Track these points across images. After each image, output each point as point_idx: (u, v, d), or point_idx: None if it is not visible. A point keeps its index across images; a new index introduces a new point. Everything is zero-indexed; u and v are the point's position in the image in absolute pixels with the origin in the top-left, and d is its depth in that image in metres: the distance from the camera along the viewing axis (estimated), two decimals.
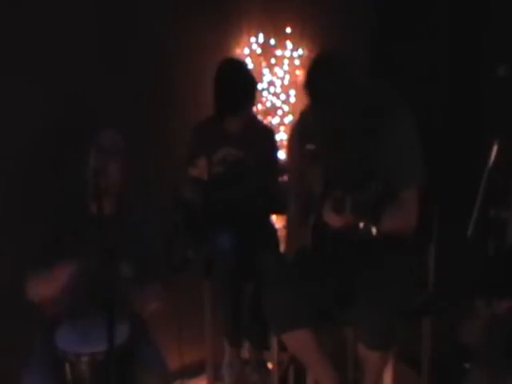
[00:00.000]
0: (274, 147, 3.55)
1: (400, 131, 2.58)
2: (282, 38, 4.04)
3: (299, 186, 2.71)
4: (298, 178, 2.73)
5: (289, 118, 4.11)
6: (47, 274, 2.62)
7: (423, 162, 2.60)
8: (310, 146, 2.58)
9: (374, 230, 2.35)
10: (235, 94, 3.32)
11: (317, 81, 2.54)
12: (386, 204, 2.38)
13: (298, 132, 2.79)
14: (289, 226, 3.11)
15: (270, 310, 2.67)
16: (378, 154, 2.56)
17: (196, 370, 3.65)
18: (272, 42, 4.02)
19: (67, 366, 2.49)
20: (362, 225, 2.37)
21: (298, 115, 2.86)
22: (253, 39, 3.97)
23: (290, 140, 2.87)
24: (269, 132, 3.61)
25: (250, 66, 3.95)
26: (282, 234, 3.78)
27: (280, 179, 3.42)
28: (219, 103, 3.37)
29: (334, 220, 2.49)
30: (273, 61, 4.05)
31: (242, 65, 3.51)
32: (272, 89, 4.08)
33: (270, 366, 3.44)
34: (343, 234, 2.51)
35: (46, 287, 2.64)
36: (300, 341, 2.69)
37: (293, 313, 2.62)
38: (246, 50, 3.96)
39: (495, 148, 2.73)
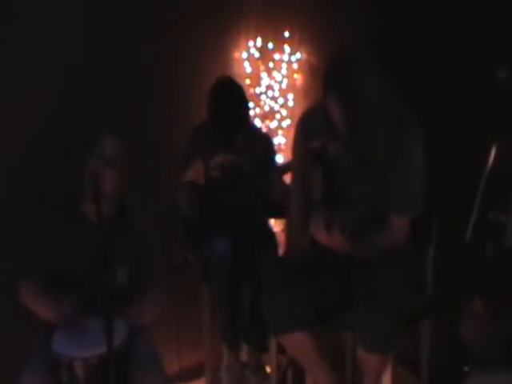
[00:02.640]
0: (271, 152, 3.54)
1: (409, 156, 2.51)
2: (280, 41, 4.04)
3: (301, 187, 2.69)
4: (300, 179, 2.71)
5: (287, 122, 4.11)
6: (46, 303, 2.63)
7: (424, 193, 2.55)
8: (314, 145, 2.55)
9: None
10: (227, 124, 3.32)
11: (345, 71, 2.42)
12: (373, 230, 2.39)
13: (302, 131, 2.75)
14: (289, 227, 3.10)
15: (268, 312, 2.66)
16: (380, 171, 2.52)
17: (194, 373, 3.64)
18: (270, 45, 4.02)
19: (62, 369, 2.50)
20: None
21: (299, 117, 2.82)
22: (251, 43, 3.97)
23: (294, 139, 2.83)
24: (266, 137, 3.61)
25: (248, 70, 3.96)
26: (280, 237, 3.78)
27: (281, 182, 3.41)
28: (214, 127, 3.36)
29: (322, 237, 2.48)
30: (271, 65, 4.06)
31: (233, 90, 3.40)
32: (270, 93, 4.08)
33: (268, 369, 3.44)
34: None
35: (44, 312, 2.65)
36: (298, 343, 2.68)
37: (291, 314, 2.61)
38: (244, 54, 3.96)
39: (494, 151, 2.73)
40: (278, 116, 4.11)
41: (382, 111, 2.42)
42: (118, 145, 2.77)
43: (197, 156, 3.34)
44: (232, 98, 3.35)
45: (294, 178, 2.85)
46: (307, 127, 2.70)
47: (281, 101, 4.11)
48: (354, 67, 2.43)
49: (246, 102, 3.43)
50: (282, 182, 3.42)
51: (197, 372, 3.63)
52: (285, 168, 3.45)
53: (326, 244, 2.49)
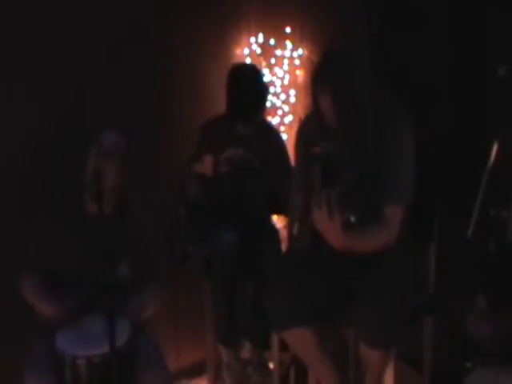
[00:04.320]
0: (283, 148, 3.55)
1: (398, 146, 2.56)
2: (281, 37, 4.04)
3: (302, 187, 2.71)
4: (301, 179, 2.73)
5: (289, 118, 4.11)
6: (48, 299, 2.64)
7: (413, 181, 2.58)
8: (314, 150, 2.58)
9: (352, 219, 2.36)
10: (249, 105, 3.35)
11: (333, 71, 2.50)
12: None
13: (302, 136, 2.79)
14: (291, 224, 3.10)
15: (270, 307, 2.67)
16: (371, 162, 2.56)
17: (194, 371, 3.64)
18: (272, 41, 4.01)
19: (66, 367, 2.51)
20: (352, 219, 2.38)
21: (299, 117, 2.85)
22: (252, 39, 3.97)
23: (295, 144, 2.87)
24: (277, 133, 3.62)
25: None
26: (283, 234, 3.78)
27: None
28: (232, 112, 3.37)
29: (323, 226, 2.46)
30: (273, 61, 4.05)
31: (254, 73, 3.48)
32: (272, 89, 4.07)
33: (271, 365, 3.44)
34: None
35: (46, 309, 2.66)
36: (300, 339, 2.69)
37: (293, 311, 2.62)
38: (246, 50, 3.96)
39: (495, 147, 2.73)
40: (280, 112, 4.11)
41: (369, 101, 2.48)
42: (117, 139, 2.77)
43: (207, 150, 3.36)
44: (252, 76, 3.41)
45: (295, 178, 2.88)
46: (306, 134, 2.76)
47: (283, 97, 4.10)
48: (340, 58, 2.55)
49: (265, 84, 3.47)
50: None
51: (196, 370, 3.63)
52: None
53: (327, 236, 2.47)
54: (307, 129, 2.77)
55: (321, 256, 2.62)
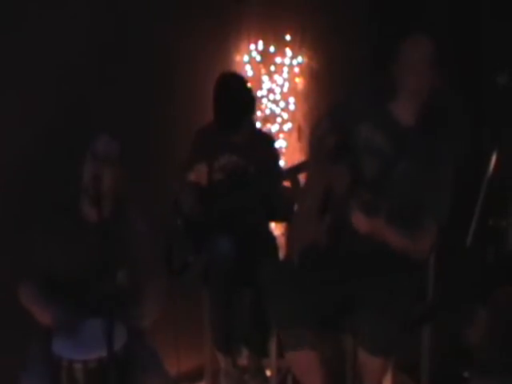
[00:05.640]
0: (275, 155, 3.55)
1: (448, 163, 2.68)
2: (281, 45, 4.05)
3: (318, 184, 2.68)
4: (318, 175, 2.71)
5: (288, 126, 4.11)
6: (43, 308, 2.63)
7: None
8: (330, 141, 2.56)
9: None
10: (234, 114, 3.33)
11: None
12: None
13: (329, 126, 2.76)
14: (298, 225, 3.05)
15: (274, 307, 2.68)
16: (418, 175, 2.62)
17: (193, 377, 3.63)
18: (271, 49, 4.03)
19: (62, 371, 2.49)
20: None
21: (298, 125, 2.84)
22: (252, 46, 3.98)
23: (319, 134, 2.83)
24: (270, 140, 3.61)
25: (250, 73, 3.96)
26: (280, 241, 3.78)
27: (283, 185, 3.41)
28: (219, 120, 3.37)
29: (363, 223, 2.50)
30: (272, 68, 4.06)
31: (239, 81, 3.46)
32: (271, 96, 4.09)
33: (268, 373, 3.43)
34: (357, 240, 2.53)
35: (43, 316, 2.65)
36: (305, 361, 2.68)
37: (297, 312, 2.61)
38: (246, 57, 3.97)
39: (494, 156, 2.73)
40: (279, 119, 4.11)
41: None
42: (112, 144, 2.75)
43: (201, 157, 3.35)
44: (237, 86, 3.39)
45: (311, 174, 2.85)
46: (334, 123, 2.72)
47: (282, 104, 4.11)
48: None
49: (251, 93, 3.46)
50: (286, 186, 3.41)
51: (196, 376, 3.62)
52: (298, 169, 3.42)
53: (366, 230, 2.50)
54: (336, 120, 2.72)
55: (338, 254, 2.63)
